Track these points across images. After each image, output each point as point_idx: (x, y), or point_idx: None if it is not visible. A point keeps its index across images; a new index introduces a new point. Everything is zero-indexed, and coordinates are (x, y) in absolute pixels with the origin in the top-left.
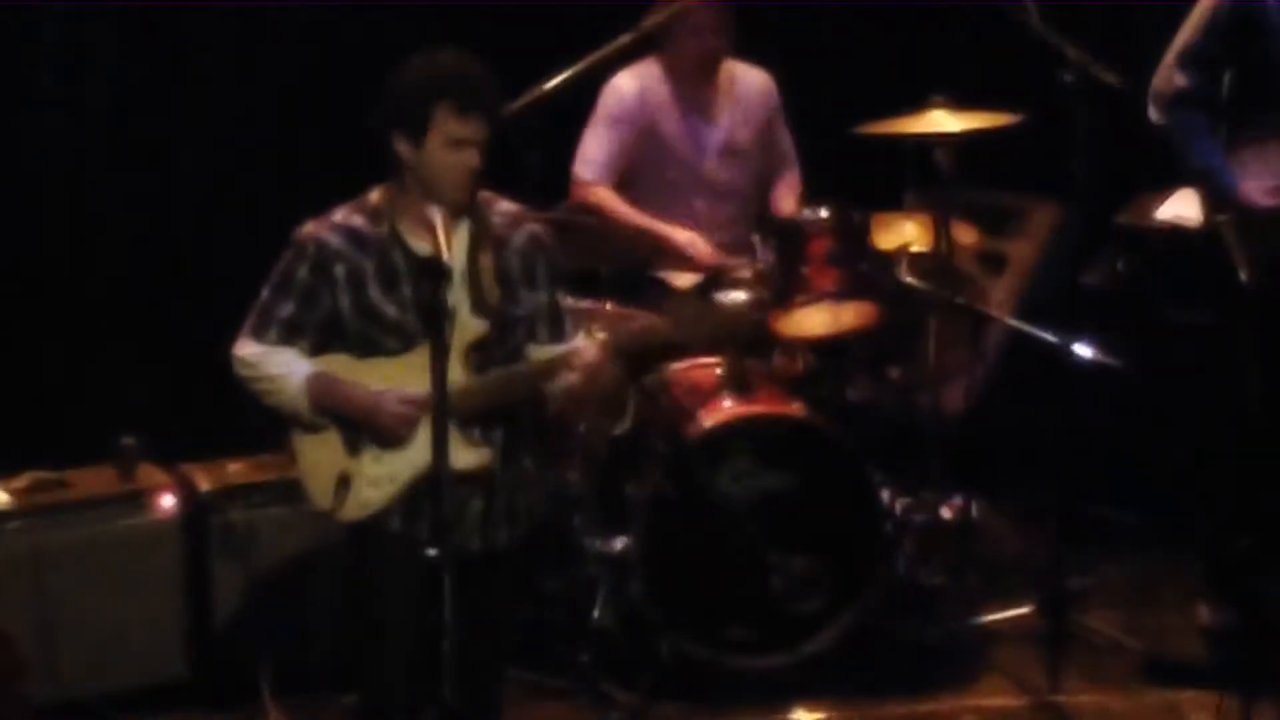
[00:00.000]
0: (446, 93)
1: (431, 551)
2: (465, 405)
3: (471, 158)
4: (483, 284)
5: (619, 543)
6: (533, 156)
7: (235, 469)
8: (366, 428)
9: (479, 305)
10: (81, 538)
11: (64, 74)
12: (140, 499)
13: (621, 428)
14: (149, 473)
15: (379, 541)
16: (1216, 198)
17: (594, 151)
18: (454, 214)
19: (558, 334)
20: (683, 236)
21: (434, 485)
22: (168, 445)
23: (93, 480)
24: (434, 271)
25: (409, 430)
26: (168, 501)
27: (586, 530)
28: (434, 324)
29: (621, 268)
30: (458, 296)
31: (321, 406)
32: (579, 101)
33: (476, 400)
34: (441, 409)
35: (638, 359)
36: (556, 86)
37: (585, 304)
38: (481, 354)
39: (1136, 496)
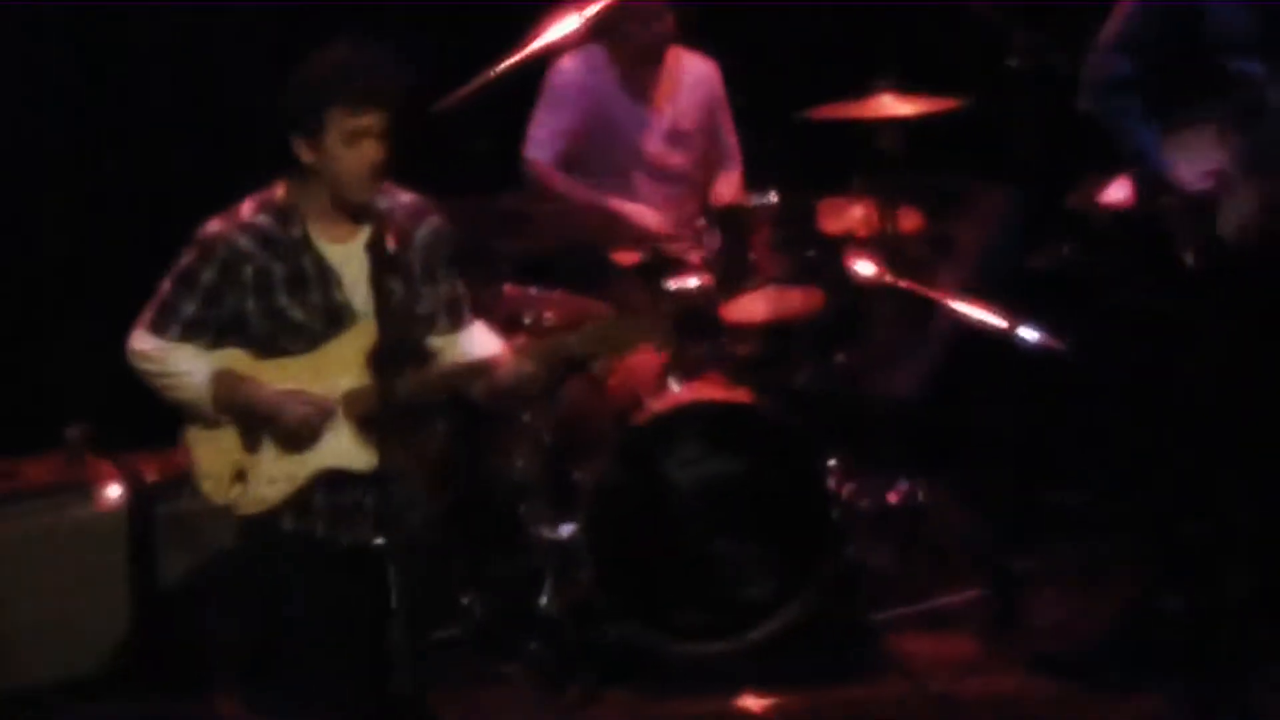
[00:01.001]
0: (336, 91)
1: (379, 540)
2: (371, 408)
3: (372, 150)
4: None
5: (567, 529)
6: (480, 145)
7: (182, 459)
8: (270, 427)
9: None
10: (27, 528)
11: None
12: (86, 489)
13: None
14: (95, 463)
15: (274, 540)
16: (1151, 182)
17: (541, 133)
18: (358, 216)
19: (456, 322)
20: (632, 209)
21: (381, 477)
22: (114, 435)
23: (38, 470)
24: (381, 258)
25: (312, 432)
26: (113, 492)
27: (534, 517)
28: (382, 308)
29: (571, 252)
30: (364, 299)
31: (224, 404)
32: (526, 89)
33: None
34: (386, 396)
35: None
36: (501, 74)
37: (536, 291)
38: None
39: (1084, 479)
